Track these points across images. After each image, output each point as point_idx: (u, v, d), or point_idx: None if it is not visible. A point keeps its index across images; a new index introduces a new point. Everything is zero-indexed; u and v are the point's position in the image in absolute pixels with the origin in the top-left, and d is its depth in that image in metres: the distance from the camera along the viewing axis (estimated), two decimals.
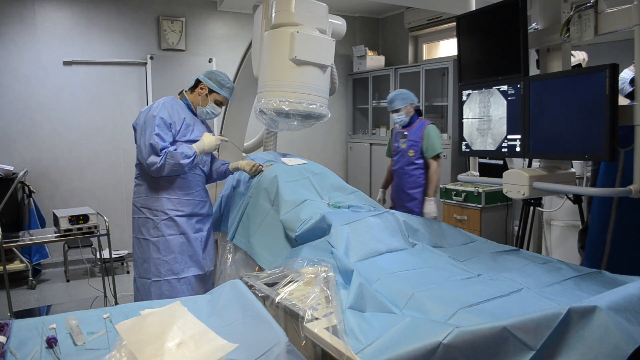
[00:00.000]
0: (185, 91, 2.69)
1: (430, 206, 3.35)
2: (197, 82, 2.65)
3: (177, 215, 2.57)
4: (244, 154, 3.39)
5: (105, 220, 3.26)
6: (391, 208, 3.34)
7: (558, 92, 1.91)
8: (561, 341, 1.31)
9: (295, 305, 1.53)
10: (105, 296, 3.53)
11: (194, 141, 2.60)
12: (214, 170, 2.80)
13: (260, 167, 2.75)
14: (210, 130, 2.77)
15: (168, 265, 2.55)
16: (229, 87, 2.67)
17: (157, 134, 2.43)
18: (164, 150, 2.44)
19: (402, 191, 3.50)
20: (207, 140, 2.59)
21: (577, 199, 2.54)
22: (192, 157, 2.50)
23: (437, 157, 3.38)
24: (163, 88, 4.68)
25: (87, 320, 1.58)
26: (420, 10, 5.16)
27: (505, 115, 2.14)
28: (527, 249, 2.92)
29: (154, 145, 2.42)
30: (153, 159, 2.42)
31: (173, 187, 2.56)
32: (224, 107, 2.75)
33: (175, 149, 2.47)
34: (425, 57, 5.65)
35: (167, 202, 2.55)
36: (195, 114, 2.69)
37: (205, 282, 2.73)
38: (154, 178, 2.54)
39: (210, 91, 2.62)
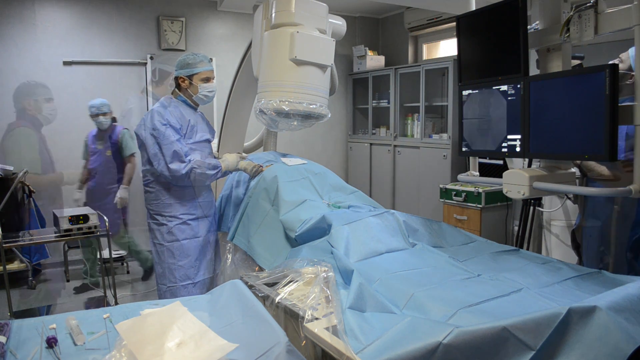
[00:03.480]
0: (176, 90, 2.65)
1: (123, 192, 4.04)
2: (177, 79, 2.60)
3: (190, 219, 2.57)
4: (244, 154, 3.40)
5: (105, 220, 3.26)
6: (85, 204, 3.91)
7: (558, 92, 1.90)
8: (561, 341, 1.31)
9: (295, 305, 1.53)
10: (105, 296, 3.53)
11: (199, 143, 2.59)
12: None
13: (260, 167, 2.75)
14: (211, 129, 2.75)
15: (183, 270, 2.54)
16: (201, 60, 2.58)
17: (179, 140, 2.44)
18: (189, 158, 2.45)
19: (102, 188, 4.08)
20: (230, 158, 2.63)
21: (577, 199, 2.53)
22: (218, 170, 2.51)
23: (132, 155, 4.09)
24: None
25: (87, 320, 1.58)
26: (420, 10, 5.16)
27: (505, 115, 2.14)
28: (527, 249, 2.91)
29: (178, 151, 2.41)
30: (177, 165, 2.41)
31: (184, 191, 2.56)
32: (214, 82, 2.67)
33: (201, 159, 2.48)
34: (425, 57, 5.65)
35: (180, 206, 2.55)
36: (195, 109, 2.67)
37: (213, 284, 2.73)
38: (165, 183, 2.52)
39: (190, 77, 2.58)
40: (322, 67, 2.37)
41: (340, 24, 2.77)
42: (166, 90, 2.60)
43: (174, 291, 2.54)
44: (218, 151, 3.15)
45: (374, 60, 5.58)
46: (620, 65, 2.14)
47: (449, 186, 4.12)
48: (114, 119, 4.17)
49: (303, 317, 1.43)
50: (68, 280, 4.36)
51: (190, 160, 2.44)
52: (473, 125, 2.32)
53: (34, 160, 2.54)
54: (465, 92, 2.35)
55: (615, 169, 2.38)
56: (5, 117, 4.31)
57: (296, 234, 2.19)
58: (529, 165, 2.74)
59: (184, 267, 2.54)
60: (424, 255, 2.01)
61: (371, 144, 5.56)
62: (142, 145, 2.54)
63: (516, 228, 3.30)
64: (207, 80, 2.59)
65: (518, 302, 1.52)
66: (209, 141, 2.68)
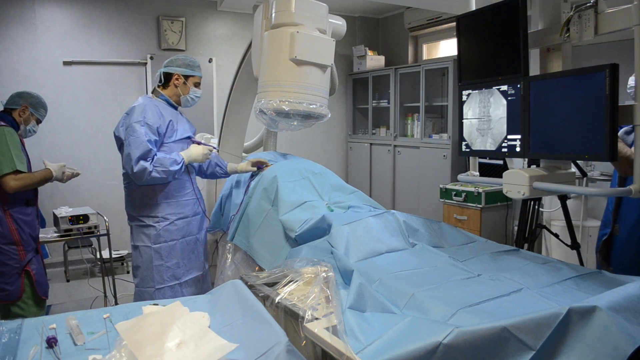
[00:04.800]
0: (158, 87, 2.63)
1: None
2: (167, 75, 2.60)
3: (178, 219, 2.55)
4: (244, 154, 3.40)
5: (105, 220, 3.26)
6: None
7: (558, 92, 1.91)
8: (561, 341, 1.31)
9: (295, 305, 1.53)
10: (105, 296, 3.53)
11: (180, 140, 2.57)
12: (208, 166, 2.79)
13: (260, 161, 2.75)
14: (191, 126, 2.74)
15: (170, 271, 2.54)
16: (198, 66, 2.66)
17: (149, 140, 2.40)
18: (154, 156, 2.42)
19: None
20: (194, 150, 2.58)
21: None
22: (181, 165, 2.48)
23: None
24: None
25: (87, 320, 1.58)
26: (420, 10, 5.16)
27: (505, 115, 2.15)
28: (527, 249, 2.91)
29: (146, 151, 2.38)
30: (143, 164, 2.37)
31: (169, 189, 2.53)
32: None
33: (163, 155, 2.45)
34: (425, 57, 5.65)
35: (167, 206, 2.53)
36: (175, 109, 2.65)
37: (203, 281, 2.73)
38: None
39: (186, 77, 2.60)
40: (322, 67, 2.37)
41: (340, 24, 2.77)
42: (174, 91, 2.60)
43: (163, 292, 2.53)
44: (218, 151, 3.15)
45: (374, 60, 5.58)
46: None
47: (449, 186, 4.12)
48: None
49: (303, 317, 1.43)
50: (68, 280, 4.36)
51: (153, 159, 2.41)
52: (473, 125, 2.32)
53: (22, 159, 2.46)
54: (465, 92, 2.35)
55: None
56: None
57: (296, 234, 2.19)
58: (529, 165, 2.74)
59: (172, 268, 2.53)
60: (424, 255, 2.01)
61: (371, 144, 5.56)
62: (121, 146, 2.53)
63: (516, 228, 3.30)
64: (198, 85, 2.66)
65: (518, 302, 1.52)
66: (189, 138, 2.66)
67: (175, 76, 2.59)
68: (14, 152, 2.45)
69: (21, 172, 2.46)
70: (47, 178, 2.62)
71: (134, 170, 2.37)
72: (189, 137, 2.65)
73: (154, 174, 2.40)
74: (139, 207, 2.54)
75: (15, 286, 2.51)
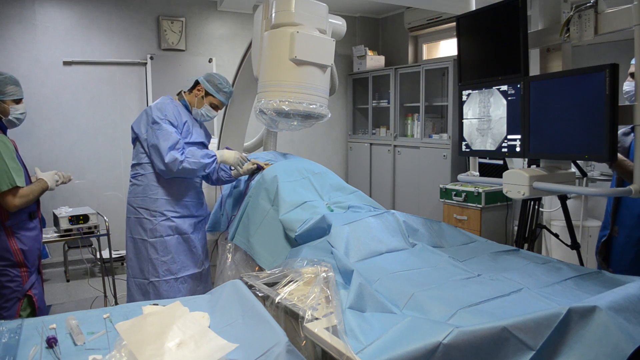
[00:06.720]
0: (184, 92, 2.71)
1: None
2: (196, 83, 2.68)
3: (175, 217, 2.58)
4: (244, 154, 3.39)
5: (105, 220, 3.26)
6: None
7: (558, 92, 1.90)
8: (561, 341, 1.31)
9: (295, 305, 1.53)
10: (105, 296, 3.53)
11: (193, 143, 2.61)
12: (213, 172, 2.80)
13: (250, 161, 2.76)
14: (207, 134, 2.79)
15: (166, 265, 2.56)
16: (226, 92, 2.69)
17: (176, 133, 2.48)
18: (184, 148, 2.49)
19: None
20: (227, 153, 2.65)
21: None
22: (213, 159, 2.54)
23: None
24: (163, 88, 4.68)
25: (87, 320, 1.58)
26: (420, 10, 5.16)
27: (505, 115, 2.14)
28: (527, 249, 2.92)
29: (176, 142, 2.45)
30: (174, 154, 2.43)
31: (172, 188, 2.58)
32: (219, 111, 2.79)
33: (194, 148, 2.53)
34: (425, 57, 5.65)
35: (166, 203, 2.57)
36: (192, 113, 2.71)
37: (202, 279, 2.74)
38: (154, 179, 2.54)
39: (207, 94, 2.65)
40: (322, 67, 2.37)
41: (340, 24, 2.77)
42: (193, 100, 2.69)
43: (158, 285, 2.56)
44: (218, 150, 3.15)
45: (374, 60, 5.58)
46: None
47: (449, 186, 4.12)
48: None
49: (303, 317, 1.43)
50: (68, 280, 4.36)
51: (184, 149, 2.49)
52: (473, 125, 2.32)
53: (17, 171, 2.19)
54: (465, 92, 2.35)
55: None
56: None
57: (296, 234, 2.19)
58: (529, 165, 2.74)
59: (167, 262, 2.57)
60: (424, 255, 2.01)
61: (371, 144, 5.56)
62: (135, 139, 2.60)
63: (516, 228, 3.30)
64: (215, 107, 2.71)
65: (518, 302, 1.52)
66: (203, 144, 2.70)
67: (199, 87, 2.65)
68: (10, 164, 2.18)
69: (20, 187, 2.20)
70: (44, 190, 2.40)
71: (166, 161, 2.42)
72: (202, 143, 2.69)
73: (185, 165, 2.45)
74: (140, 200, 2.58)
75: (11, 311, 2.25)
